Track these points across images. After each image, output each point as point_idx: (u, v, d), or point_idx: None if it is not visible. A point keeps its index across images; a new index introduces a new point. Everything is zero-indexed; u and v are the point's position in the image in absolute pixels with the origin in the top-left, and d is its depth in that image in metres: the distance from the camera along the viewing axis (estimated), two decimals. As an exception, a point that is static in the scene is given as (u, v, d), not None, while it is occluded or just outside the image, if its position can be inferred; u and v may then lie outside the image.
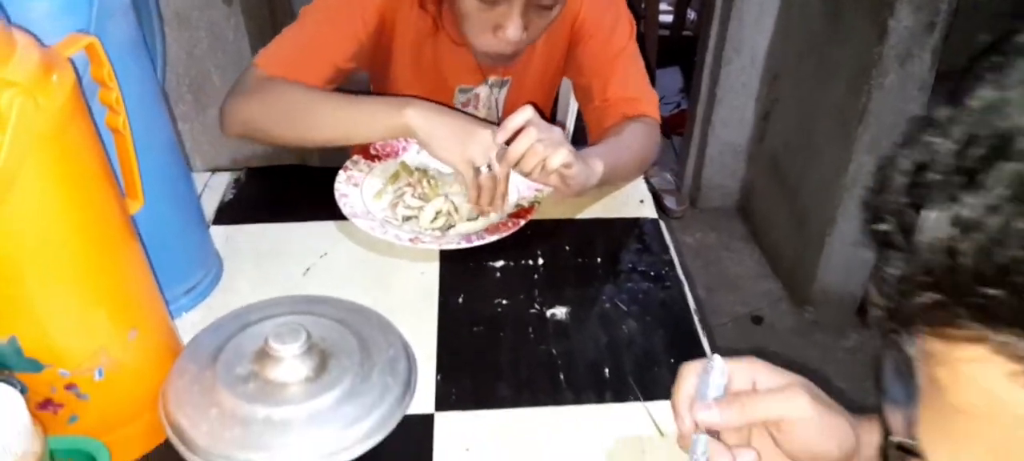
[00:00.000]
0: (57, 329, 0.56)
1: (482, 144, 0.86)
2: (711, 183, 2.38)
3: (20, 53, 0.49)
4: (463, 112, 0.94)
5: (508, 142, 0.85)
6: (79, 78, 0.54)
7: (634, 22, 1.08)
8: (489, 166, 0.87)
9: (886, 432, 0.30)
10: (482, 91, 1.11)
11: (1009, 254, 0.21)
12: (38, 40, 0.52)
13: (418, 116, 0.87)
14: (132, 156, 0.63)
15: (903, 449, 0.28)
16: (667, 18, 3.08)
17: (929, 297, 0.23)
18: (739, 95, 2.19)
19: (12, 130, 0.45)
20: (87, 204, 0.55)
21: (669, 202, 2.44)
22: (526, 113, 0.84)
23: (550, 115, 1.29)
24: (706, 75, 2.22)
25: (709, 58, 2.19)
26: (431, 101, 0.91)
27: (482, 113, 1.13)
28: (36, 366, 0.57)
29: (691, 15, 3.15)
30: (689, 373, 0.53)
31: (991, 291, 0.21)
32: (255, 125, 0.94)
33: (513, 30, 0.90)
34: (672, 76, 3.06)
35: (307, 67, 0.95)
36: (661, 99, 2.98)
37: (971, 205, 0.22)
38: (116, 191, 0.60)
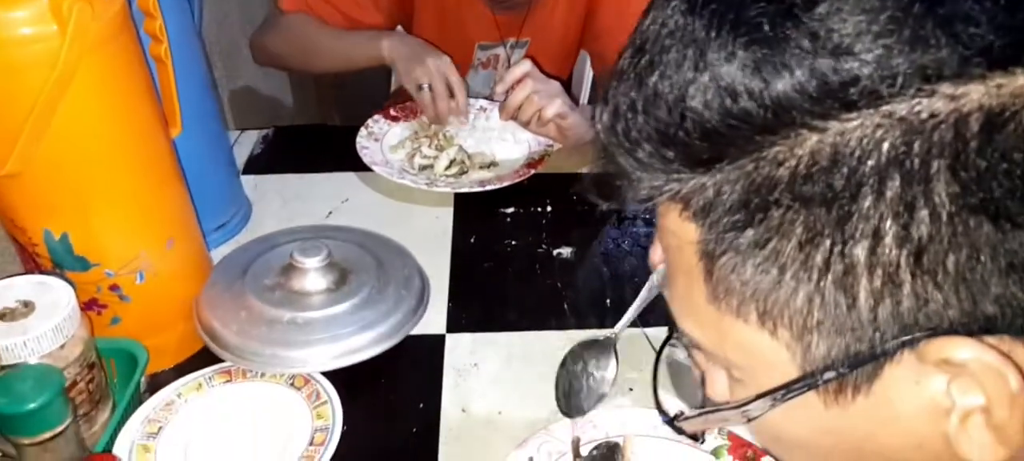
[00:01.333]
0: (104, 228, 0.62)
1: (425, 66, 0.95)
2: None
3: (79, -31, 0.55)
4: (423, 41, 1.02)
5: (508, 93, 0.91)
6: (129, 3, 0.61)
7: None
8: (430, 87, 0.95)
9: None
10: (501, 52, 1.17)
11: (639, 122, 0.28)
12: (93, -36, 0.58)
13: (387, 46, 0.99)
14: (173, 84, 0.69)
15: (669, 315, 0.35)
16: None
17: (619, 168, 0.29)
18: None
19: (72, 28, 0.51)
20: (133, 114, 0.61)
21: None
22: (524, 66, 0.90)
23: (567, 88, 1.35)
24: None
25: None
26: (410, 36, 1.02)
27: (502, 73, 1.19)
28: (84, 264, 0.63)
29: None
30: None
31: (643, 154, 0.28)
32: (274, 52, 1.10)
33: None
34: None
35: (322, 8, 1.06)
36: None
37: (616, 94, 0.29)
38: (159, 112, 0.66)
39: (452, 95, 0.97)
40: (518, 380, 0.71)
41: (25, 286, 0.59)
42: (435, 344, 0.74)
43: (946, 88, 0.24)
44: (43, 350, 0.57)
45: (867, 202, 0.25)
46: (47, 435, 0.55)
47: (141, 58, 0.62)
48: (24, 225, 0.61)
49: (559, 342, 0.75)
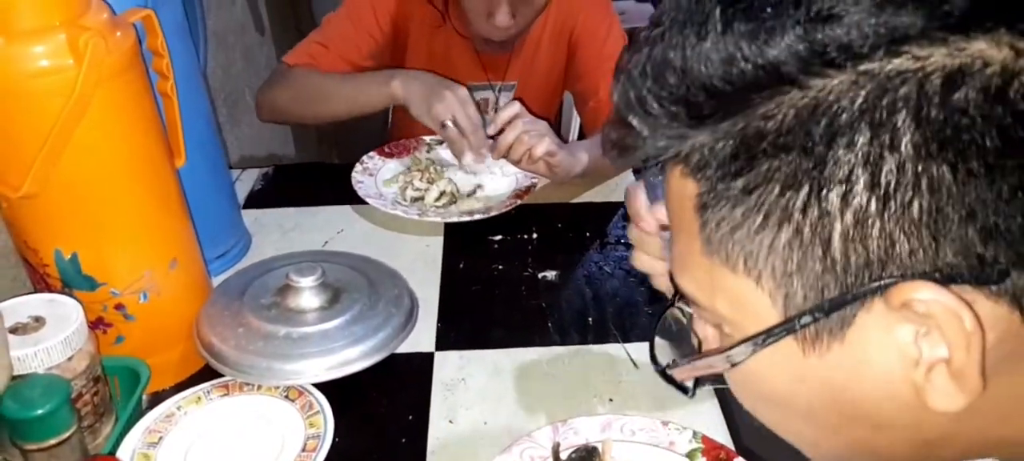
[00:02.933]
0: (111, 249, 0.67)
1: (445, 101, 0.97)
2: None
3: (94, 9, 0.61)
4: (436, 75, 1.04)
5: (499, 134, 0.96)
6: (139, 41, 0.66)
7: (626, 35, 1.20)
8: (455, 122, 0.97)
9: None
10: (489, 95, 1.22)
11: (648, 84, 0.32)
12: (110, 7, 0.64)
13: (400, 85, 1.01)
14: (178, 117, 0.74)
15: (672, 280, 0.38)
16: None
17: (631, 128, 0.33)
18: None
19: (87, 62, 0.57)
20: (141, 143, 0.66)
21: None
22: (514, 107, 0.96)
23: (555, 128, 1.40)
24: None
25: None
26: (420, 71, 1.04)
27: (492, 115, 1.25)
28: (92, 284, 0.67)
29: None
30: (637, 187, 0.62)
31: (651, 110, 0.32)
32: (281, 107, 1.11)
33: (502, 17, 1.02)
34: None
35: (325, 61, 1.10)
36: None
37: (629, 63, 0.33)
38: (165, 142, 0.71)
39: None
40: (504, 393, 0.74)
41: (37, 303, 0.63)
42: (424, 361, 0.78)
43: (913, 49, 0.27)
44: (52, 361, 0.60)
45: (841, 150, 0.28)
46: (53, 441, 0.58)
47: (149, 92, 0.68)
48: (36, 246, 0.65)
49: (544, 357, 0.79)
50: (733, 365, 0.35)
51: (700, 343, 0.40)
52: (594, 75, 1.16)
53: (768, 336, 0.33)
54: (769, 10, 0.29)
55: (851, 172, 0.28)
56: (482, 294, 0.88)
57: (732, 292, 0.34)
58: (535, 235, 0.99)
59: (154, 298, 0.71)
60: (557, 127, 1.44)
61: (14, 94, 0.58)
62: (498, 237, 0.98)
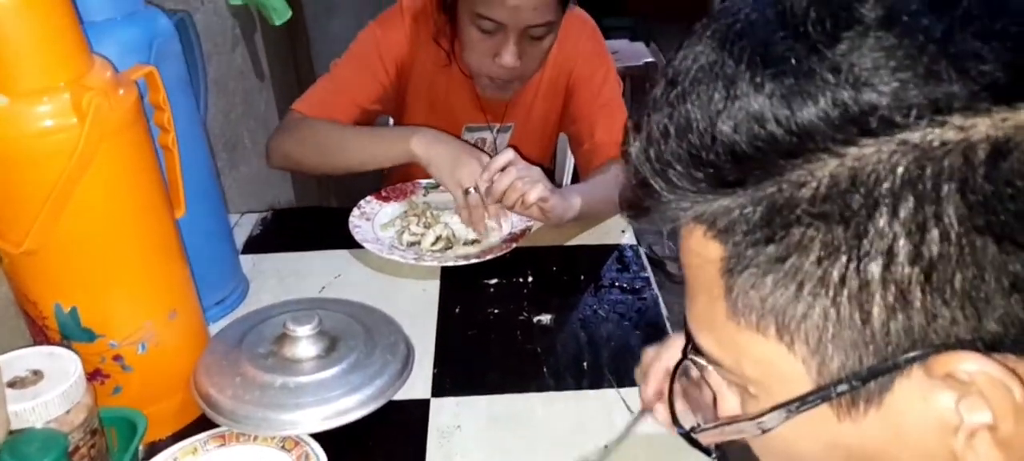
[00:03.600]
0: (111, 302, 0.67)
1: (469, 168, 0.99)
2: (713, 249, 2.47)
3: (97, 69, 0.62)
4: (460, 140, 1.06)
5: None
6: (141, 97, 0.68)
7: (620, 80, 1.22)
8: (476, 188, 0.98)
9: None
10: (487, 135, 1.24)
11: (671, 146, 0.31)
12: (113, 65, 0.66)
13: (420, 144, 1.02)
14: (178, 169, 0.76)
15: (688, 335, 0.38)
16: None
17: (651, 190, 0.33)
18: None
19: (90, 122, 0.58)
20: (142, 197, 0.67)
21: (672, 268, 2.52)
22: (508, 155, 0.97)
23: (549, 170, 1.42)
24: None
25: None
26: (434, 129, 1.05)
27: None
28: (90, 336, 0.68)
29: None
30: (647, 376, 0.63)
31: (673, 176, 0.31)
32: (293, 157, 1.12)
33: (508, 57, 1.04)
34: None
35: (336, 108, 1.12)
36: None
37: (648, 122, 0.32)
38: (165, 195, 0.73)
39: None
40: (499, 440, 0.74)
41: (35, 357, 0.64)
42: (420, 408, 0.78)
43: (956, 119, 0.27)
44: (50, 415, 0.61)
45: (883, 221, 0.27)
46: (50, 496, 0.58)
47: (151, 146, 0.69)
48: (36, 299, 0.66)
49: (539, 403, 0.79)
50: (764, 432, 0.34)
51: (714, 396, 0.39)
52: (589, 119, 1.18)
53: (803, 403, 0.32)
54: (802, 74, 0.28)
55: (893, 244, 0.28)
56: (478, 339, 0.89)
57: (761, 356, 0.33)
58: (530, 278, 1.00)
59: (152, 349, 0.71)
60: (552, 168, 1.45)
61: (18, 153, 0.59)
62: (494, 281, 0.99)
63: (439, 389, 0.81)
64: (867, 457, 0.33)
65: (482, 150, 1.04)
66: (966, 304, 0.28)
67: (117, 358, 0.70)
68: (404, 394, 0.76)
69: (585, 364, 0.84)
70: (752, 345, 0.33)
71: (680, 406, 0.42)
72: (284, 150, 1.12)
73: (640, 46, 3.23)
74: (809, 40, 0.28)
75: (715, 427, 0.38)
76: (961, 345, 0.28)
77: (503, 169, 0.97)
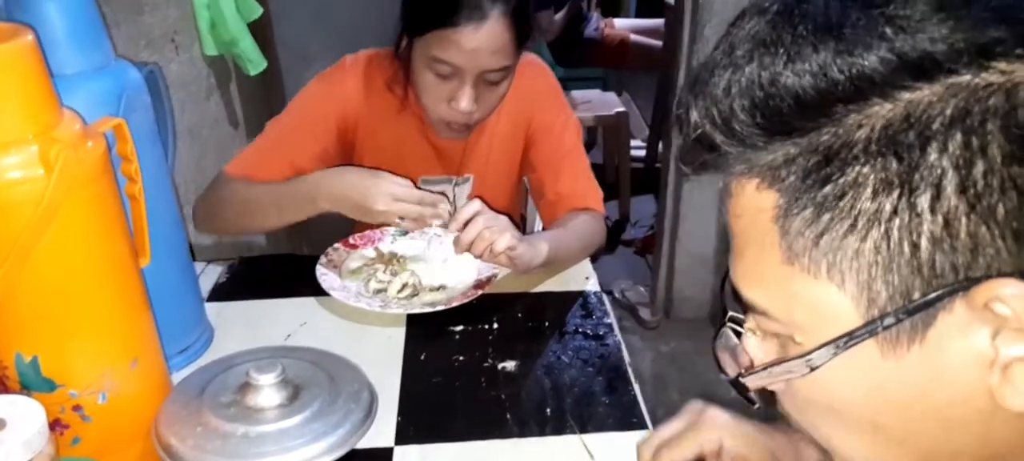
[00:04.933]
0: (72, 351, 0.68)
1: (381, 193, 0.97)
2: (683, 294, 2.51)
3: (66, 122, 0.64)
4: (363, 168, 1.06)
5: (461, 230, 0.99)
6: (109, 148, 0.69)
7: (580, 125, 1.25)
8: (401, 217, 0.98)
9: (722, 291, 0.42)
10: (446, 188, 1.26)
11: (734, 100, 0.34)
12: (82, 117, 0.67)
13: (324, 198, 1.01)
14: (144, 219, 0.76)
15: (732, 290, 0.40)
16: (639, 152, 3.34)
17: (710, 144, 0.36)
18: (701, 210, 2.37)
19: (57, 174, 0.59)
20: (108, 246, 0.68)
21: (644, 314, 2.55)
22: (474, 206, 0.99)
23: (520, 218, 1.44)
24: (669, 194, 2.40)
25: (671, 179, 2.38)
26: (339, 167, 1.05)
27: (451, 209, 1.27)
28: (51, 385, 0.68)
29: (661, 148, 3.40)
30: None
31: (737, 125, 0.34)
32: (216, 218, 1.11)
33: (465, 101, 1.05)
34: (646, 203, 3.26)
35: (267, 168, 1.10)
36: (635, 223, 3.14)
37: (709, 91, 0.35)
38: (131, 244, 0.73)
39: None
40: (461, 487, 0.75)
41: (-5, 406, 0.63)
42: (384, 456, 0.79)
43: (1000, 64, 0.30)
44: (9, 466, 0.60)
45: (933, 155, 0.30)
46: (4, 549, 0.57)
47: (117, 196, 0.70)
48: (-4, 349, 0.66)
49: (503, 449, 0.80)
50: (812, 370, 0.36)
51: (751, 362, 0.41)
52: (552, 168, 1.20)
53: (851, 338, 0.34)
54: (859, 28, 0.31)
55: (942, 176, 0.30)
56: (442, 386, 0.90)
57: (811, 298, 0.35)
58: (495, 325, 1.01)
59: (113, 398, 0.71)
60: (523, 215, 1.48)
61: (-16, 204, 0.60)
62: (459, 327, 1.00)
63: (403, 437, 0.81)
64: (907, 397, 0.35)
65: (376, 171, 1.03)
66: (1007, 234, 0.30)
67: (77, 408, 0.70)
68: (367, 442, 0.77)
69: (548, 411, 0.86)
70: (803, 288, 0.35)
71: (724, 358, 0.44)
72: (206, 213, 1.11)
73: (611, 96, 3.31)
74: (864, 0, 0.32)
75: (764, 368, 0.40)
76: (1002, 275, 0.31)
77: (470, 220, 0.99)
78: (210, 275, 1.12)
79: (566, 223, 1.15)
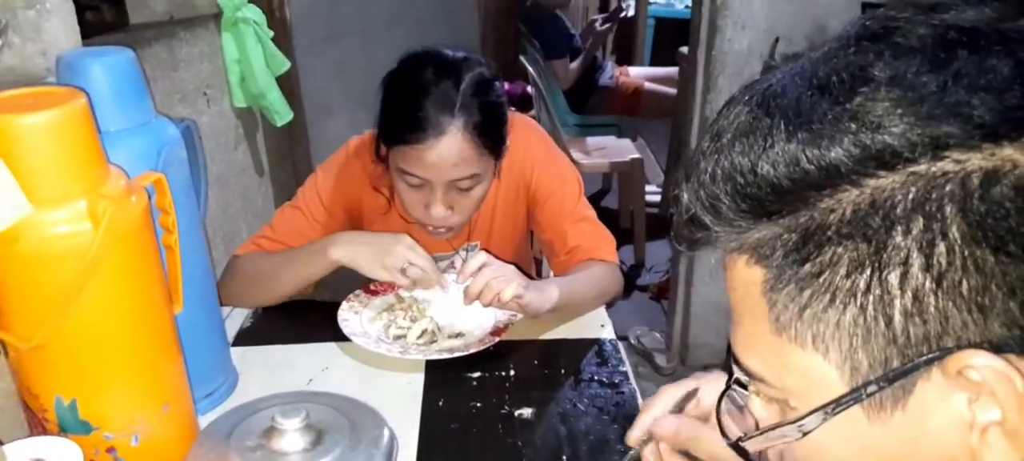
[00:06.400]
0: (109, 395, 0.71)
1: (394, 254, 1.03)
2: (698, 341, 2.51)
3: (113, 178, 0.68)
4: (377, 232, 1.10)
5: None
6: (149, 200, 0.73)
7: (578, 176, 1.26)
8: (410, 263, 1.02)
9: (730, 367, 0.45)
10: (456, 260, 1.26)
11: (719, 186, 0.38)
12: (125, 173, 0.71)
13: (340, 251, 1.05)
14: (179, 268, 0.80)
15: (732, 356, 0.44)
16: (654, 198, 3.37)
17: (701, 224, 0.39)
18: (716, 255, 2.38)
19: (104, 227, 0.63)
20: (145, 295, 0.72)
21: (660, 360, 2.55)
22: (480, 257, 1.02)
23: (532, 264, 1.46)
24: (685, 239, 2.42)
25: (687, 224, 2.40)
26: (355, 232, 1.10)
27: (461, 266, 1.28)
28: (87, 428, 0.71)
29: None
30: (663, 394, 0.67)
31: (723, 208, 0.38)
32: (237, 295, 1.15)
33: (437, 210, 1.08)
34: (661, 248, 3.28)
35: (275, 249, 1.15)
36: (651, 269, 3.13)
37: (698, 176, 0.39)
38: (166, 292, 0.77)
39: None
40: (478, 533, 0.76)
41: (38, 446, 0.67)
42: (402, 501, 0.80)
43: (954, 154, 0.33)
44: (46, 505, 0.63)
45: (898, 237, 0.34)
46: None
47: (156, 247, 0.74)
48: (38, 392, 0.70)
49: (517, 497, 0.82)
50: (804, 434, 0.39)
51: (756, 424, 0.44)
52: (559, 227, 1.21)
53: (838, 404, 0.37)
54: (827, 121, 0.35)
55: (908, 256, 0.34)
56: (460, 432, 0.92)
57: (801, 367, 0.38)
58: (512, 372, 1.03)
59: (145, 441, 0.74)
60: (536, 260, 1.49)
61: (35, 256, 0.64)
62: (477, 374, 1.03)
63: (421, 482, 0.83)
64: (895, 457, 0.37)
65: (391, 233, 1.07)
66: (973, 308, 0.33)
67: (111, 450, 0.73)
68: (387, 487, 0.79)
69: (564, 457, 0.87)
70: (792, 357, 0.38)
71: (726, 421, 0.48)
72: (227, 292, 1.15)
73: (627, 142, 3.35)
74: (832, 95, 0.35)
75: (761, 434, 0.43)
76: (971, 346, 0.34)
77: (477, 271, 1.02)
78: (236, 319, 1.16)
79: (578, 271, 1.18)
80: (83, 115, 0.65)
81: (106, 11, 1.56)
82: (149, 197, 0.74)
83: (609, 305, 1.21)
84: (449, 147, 1.03)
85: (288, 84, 1.58)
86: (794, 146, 0.35)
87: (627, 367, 1.05)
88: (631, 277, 2.97)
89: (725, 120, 0.39)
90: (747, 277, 0.40)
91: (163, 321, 0.75)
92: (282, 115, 1.44)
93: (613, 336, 1.12)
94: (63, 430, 0.71)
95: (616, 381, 1.01)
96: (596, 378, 1.02)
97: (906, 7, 0.36)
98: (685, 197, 0.40)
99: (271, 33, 1.45)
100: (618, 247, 1.26)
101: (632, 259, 3.10)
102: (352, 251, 1.06)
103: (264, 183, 1.60)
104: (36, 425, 0.73)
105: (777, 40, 1.99)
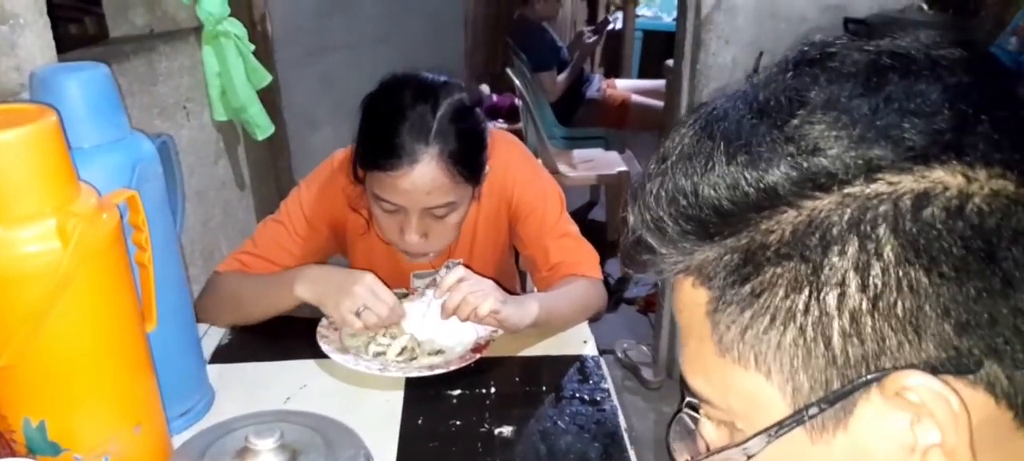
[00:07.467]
0: (79, 416, 0.70)
1: (353, 297, 1.00)
2: (684, 354, 2.50)
3: (83, 195, 0.67)
4: (342, 269, 1.09)
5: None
6: (121, 218, 0.72)
7: (561, 192, 1.26)
8: (365, 307, 1.01)
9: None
10: (438, 276, 1.23)
11: (664, 208, 0.38)
12: (97, 190, 0.71)
13: (304, 289, 1.04)
14: (152, 286, 0.79)
15: (682, 384, 0.44)
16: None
17: (647, 245, 0.40)
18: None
19: (73, 246, 0.62)
20: (117, 313, 0.71)
21: (646, 374, 2.55)
22: (458, 272, 1.02)
23: (514, 280, 1.46)
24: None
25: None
26: (321, 267, 1.09)
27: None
28: (56, 449, 0.70)
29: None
30: None
31: (668, 230, 0.38)
32: (210, 313, 1.14)
33: (412, 236, 1.07)
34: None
35: (255, 267, 1.15)
36: (638, 282, 3.13)
37: (644, 198, 0.39)
38: (138, 310, 0.76)
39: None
40: (455, 555, 0.76)
41: (1, 470, 0.65)
42: (379, 522, 0.79)
43: (886, 176, 0.33)
44: (10, 530, 0.62)
45: (835, 257, 0.34)
46: None
47: (128, 266, 0.73)
48: (6, 412, 0.68)
49: (496, 517, 0.81)
50: (749, 457, 0.39)
51: (707, 447, 0.44)
52: (541, 243, 1.21)
53: (780, 427, 0.37)
54: (765, 145, 0.35)
55: (845, 276, 0.34)
56: (439, 451, 0.91)
57: (744, 389, 0.38)
58: (492, 389, 1.02)
59: (115, 462, 0.73)
60: (521, 273, 1.48)
61: (3, 275, 0.63)
62: (457, 391, 1.02)
63: (398, 502, 0.82)
64: None
65: (354, 272, 1.05)
66: (908, 328, 0.33)
67: (80, 472, 0.71)
68: (363, 508, 0.78)
69: (543, 477, 0.87)
70: (736, 378, 0.38)
71: (676, 446, 0.48)
72: (206, 309, 1.14)
73: (614, 155, 3.36)
74: (771, 119, 0.36)
75: (708, 457, 0.43)
76: (907, 366, 0.34)
77: (455, 285, 1.01)
78: (213, 337, 1.14)
79: (559, 286, 1.17)
80: (53, 132, 0.64)
81: (88, 24, 1.55)
82: (121, 215, 0.73)
83: (594, 319, 1.21)
84: (422, 175, 1.02)
85: (270, 98, 1.57)
86: (734, 169, 0.36)
87: (609, 384, 1.05)
88: (618, 290, 2.97)
89: (671, 143, 0.39)
90: (692, 299, 0.40)
91: (135, 340, 0.74)
92: (263, 129, 1.44)
93: (595, 352, 1.12)
94: (31, 451, 0.70)
95: (598, 399, 1.01)
96: (577, 395, 1.02)
97: (844, 34, 0.37)
98: (631, 219, 0.40)
99: (252, 47, 1.45)
100: (605, 260, 1.25)
101: (619, 272, 3.10)
102: (315, 290, 1.04)
103: (245, 197, 1.59)
104: (3, 446, 0.71)
105: (761, 54, 2.01)
